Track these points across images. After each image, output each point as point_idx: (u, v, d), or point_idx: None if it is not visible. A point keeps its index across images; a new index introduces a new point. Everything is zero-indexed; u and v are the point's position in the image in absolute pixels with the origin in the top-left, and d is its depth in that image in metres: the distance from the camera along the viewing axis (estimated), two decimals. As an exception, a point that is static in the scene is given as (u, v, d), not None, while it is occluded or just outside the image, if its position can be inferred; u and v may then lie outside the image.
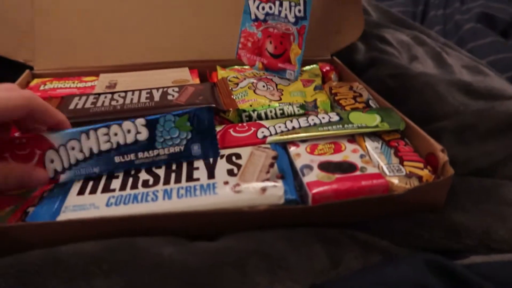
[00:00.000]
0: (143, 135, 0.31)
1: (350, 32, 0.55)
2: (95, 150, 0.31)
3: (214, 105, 0.40)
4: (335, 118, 0.37)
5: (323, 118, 0.37)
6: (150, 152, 0.31)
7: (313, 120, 0.37)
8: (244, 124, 0.38)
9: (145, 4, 0.52)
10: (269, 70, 0.47)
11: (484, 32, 0.79)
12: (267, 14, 0.45)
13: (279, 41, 0.46)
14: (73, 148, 0.30)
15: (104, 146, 0.31)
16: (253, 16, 0.46)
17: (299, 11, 0.44)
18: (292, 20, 0.45)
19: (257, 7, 0.45)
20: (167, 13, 0.52)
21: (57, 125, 0.31)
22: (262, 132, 0.37)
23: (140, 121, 0.31)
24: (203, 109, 0.32)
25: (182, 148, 0.32)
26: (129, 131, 0.31)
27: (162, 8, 0.52)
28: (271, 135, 0.36)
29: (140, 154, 0.31)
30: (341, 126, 0.36)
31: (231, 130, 0.37)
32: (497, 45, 0.76)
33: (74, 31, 0.51)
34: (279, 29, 0.45)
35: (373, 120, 0.37)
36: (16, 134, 0.31)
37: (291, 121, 0.37)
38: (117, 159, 0.31)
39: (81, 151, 0.30)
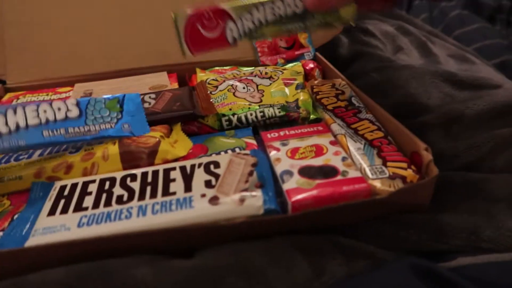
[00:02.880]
0: (73, 112, 0.32)
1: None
2: (22, 125, 0.31)
3: (192, 111, 0.39)
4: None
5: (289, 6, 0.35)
6: (81, 128, 0.32)
7: (279, 8, 0.35)
8: (211, 15, 0.36)
9: (118, 9, 0.50)
10: (291, 61, 0.53)
11: (470, 18, 0.78)
12: None
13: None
14: None
15: (32, 121, 0.31)
16: None
17: None
18: None
19: None
20: (141, 17, 0.51)
21: None
22: (231, 29, 0.36)
23: (71, 101, 0.33)
24: (131, 95, 0.36)
25: (112, 125, 0.33)
26: (59, 109, 0.32)
27: (136, 13, 0.51)
28: (240, 36, 0.36)
29: (70, 129, 0.32)
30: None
31: (199, 26, 0.36)
32: (484, 31, 0.75)
33: (46, 42, 0.49)
34: None
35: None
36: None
37: (258, 11, 0.35)
38: (45, 133, 0.31)
39: (6, 124, 0.30)
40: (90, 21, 0.50)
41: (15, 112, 0.31)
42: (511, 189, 0.32)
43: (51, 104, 0.32)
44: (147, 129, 0.35)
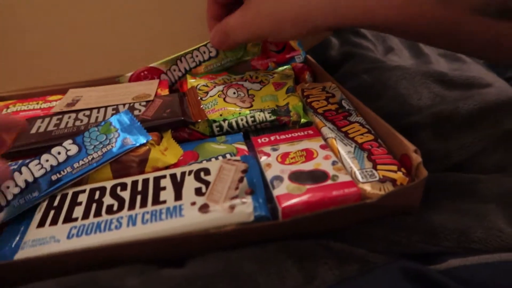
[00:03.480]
0: (73, 150, 0.34)
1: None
2: (30, 180, 0.32)
3: (182, 118, 0.39)
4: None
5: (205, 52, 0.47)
6: (85, 159, 0.33)
7: (197, 56, 0.47)
8: (146, 73, 0.48)
9: (108, 17, 0.50)
10: (281, 64, 0.52)
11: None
12: None
13: None
14: (8, 187, 0.31)
15: (39, 173, 0.32)
16: None
17: None
18: None
19: None
20: (131, 24, 0.51)
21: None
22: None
23: (67, 141, 0.34)
24: (120, 113, 0.37)
25: (113, 145, 0.34)
26: (59, 153, 0.33)
27: (126, 20, 0.50)
28: (173, 84, 0.48)
29: (75, 165, 0.33)
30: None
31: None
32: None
33: (37, 49, 0.49)
34: None
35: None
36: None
37: (181, 61, 0.47)
38: (54, 177, 0.32)
39: (17, 185, 0.31)
40: (80, 28, 0.50)
41: (20, 172, 0.32)
42: (501, 190, 0.32)
43: (50, 152, 0.33)
44: (147, 136, 0.35)
